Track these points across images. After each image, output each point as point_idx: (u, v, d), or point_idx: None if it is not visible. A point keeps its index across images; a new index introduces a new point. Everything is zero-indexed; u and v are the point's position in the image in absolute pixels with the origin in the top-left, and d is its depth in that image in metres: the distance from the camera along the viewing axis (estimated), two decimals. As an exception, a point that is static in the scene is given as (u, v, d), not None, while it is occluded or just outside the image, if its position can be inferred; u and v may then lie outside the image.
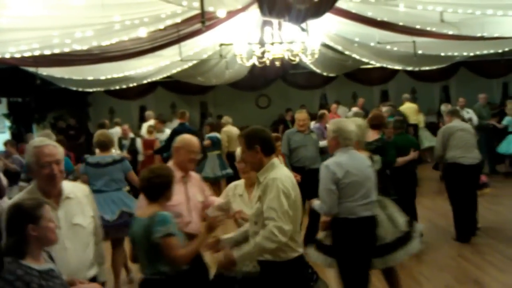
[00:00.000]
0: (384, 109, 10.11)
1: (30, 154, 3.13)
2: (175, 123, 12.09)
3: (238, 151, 4.19)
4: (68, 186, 3.27)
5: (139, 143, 11.36)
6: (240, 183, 4.43)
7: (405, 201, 5.94)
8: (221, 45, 10.06)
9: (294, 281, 3.45)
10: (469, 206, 7.13)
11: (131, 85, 13.89)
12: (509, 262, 6.41)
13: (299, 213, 3.55)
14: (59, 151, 3.18)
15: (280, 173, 3.45)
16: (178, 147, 4.24)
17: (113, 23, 6.88)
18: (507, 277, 5.93)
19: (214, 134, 10.72)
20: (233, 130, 10.73)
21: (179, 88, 16.98)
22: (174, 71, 12.82)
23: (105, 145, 6.19)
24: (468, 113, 11.69)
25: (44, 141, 3.21)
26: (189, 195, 4.15)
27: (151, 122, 12.69)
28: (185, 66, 12.22)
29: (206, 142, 10.30)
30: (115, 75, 11.62)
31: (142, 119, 15.51)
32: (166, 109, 17.65)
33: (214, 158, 10.50)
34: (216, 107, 16.91)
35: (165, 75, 13.54)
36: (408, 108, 13.31)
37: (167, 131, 11.32)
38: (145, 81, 13.87)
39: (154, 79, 13.78)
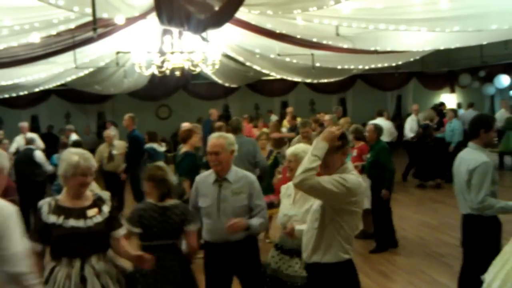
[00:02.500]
0: (327, 117, 10.20)
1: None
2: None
3: (289, 150, 4.30)
4: None
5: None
6: (292, 183, 4.32)
7: None
8: (118, 53, 9.70)
9: (345, 284, 3.44)
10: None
11: (21, 93, 13.08)
12: (398, 271, 6.66)
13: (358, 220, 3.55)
14: None
15: (351, 177, 3.33)
16: None
17: (0, 28, 6.41)
18: (395, 286, 6.17)
19: (151, 145, 10.25)
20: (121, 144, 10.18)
21: (75, 97, 16.28)
22: (69, 78, 12.24)
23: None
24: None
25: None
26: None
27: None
28: (81, 73, 11.71)
29: None
30: (3, 83, 10.90)
31: (34, 129, 14.59)
32: (61, 118, 16.81)
33: None
34: (114, 117, 16.29)
35: (59, 83, 12.87)
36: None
37: None
38: (37, 89, 13.13)
39: (47, 87, 13.09)
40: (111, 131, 9.95)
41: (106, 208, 3.57)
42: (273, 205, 7.24)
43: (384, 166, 7.19)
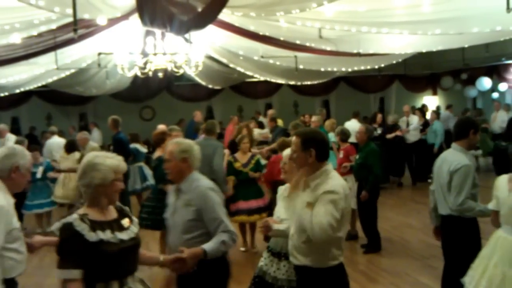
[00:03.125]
0: (314, 118, 10.18)
1: None
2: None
3: (286, 152, 4.20)
4: None
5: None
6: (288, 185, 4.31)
7: None
8: (99, 54, 9.61)
9: None
10: None
11: (1, 94, 12.91)
12: (381, 272, 6.70)
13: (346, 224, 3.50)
14: None
15: (335, 184, 3.31)
16: None
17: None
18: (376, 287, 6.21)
19: (134, 145, 10.19)
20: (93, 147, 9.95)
21: (56, 98, 16.10)
22: (50, 80, 12.10)
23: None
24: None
25: None
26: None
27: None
28: (62, 75, 11.60)
29: None
30: (-18, 84, 10.72)
31: (15, 131, 14.38)
32: (41, 120, 16.61)
33: (135, 171, 10.00)
34: (96, 119, 16.15)
35: (40, 84, 12.71)
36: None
37: None
38: (17, 90, 12.98)
39: (28, 88, 12.93)
40: (82, 134, 9.70)
41: (132, 217, 3.16)
42: (261, 210, 7.24)
43: (371, 169, 7.23)
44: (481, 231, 4.54)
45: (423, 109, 14.64)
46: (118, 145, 9.23)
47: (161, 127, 8.79)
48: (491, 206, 4.07)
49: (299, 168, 3.49)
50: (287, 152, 4.26)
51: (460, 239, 4.50)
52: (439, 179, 4.63)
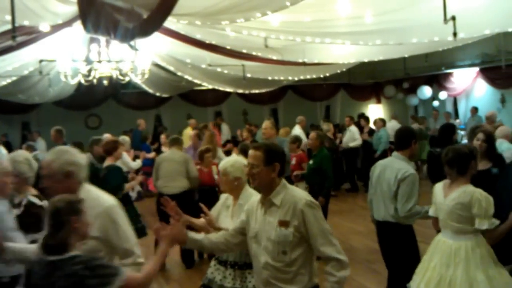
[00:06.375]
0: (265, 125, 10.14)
1: None
2: None
3: (221, 165, 4.21)
4: None
5: None
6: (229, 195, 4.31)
7: None
8: (41, 61, 9.34)
9: None
10: None
11: None
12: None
13: None
14: None
15: (303, 194, 3.20)
16: None
17: None
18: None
19: None
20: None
21: (-3, 107, 15.45)
22: (-10, 87, 11.62)
23: None
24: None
25: None
26: None
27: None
28: (3, 82, 11.17)
29: None
30: None
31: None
32: (-19, 129, 15.96)
33: None
34: (40, 127, 15.65)
35: (-21, 92, 12.24)
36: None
37: None
38: (-46, 99, 12.42)
39: (-34, 96, 12.40)
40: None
41: None
42: None
43: (325, 173, 7.34)
44: (424, 235, 4.70)
45: (365, 117, 15.02)
46: None
47: (109, 136, 8.60)
48: (431, 212, 4.21)
49: (259, 184, 3.20)
50: (222, 164, 4.28)
51: (398, 244, 4.67)
52: (381, 185, 4.75)
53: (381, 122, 13.07)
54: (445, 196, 3.97)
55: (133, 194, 8.92)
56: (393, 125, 13.93)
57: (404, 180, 4.49)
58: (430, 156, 6.35)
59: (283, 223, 3.05)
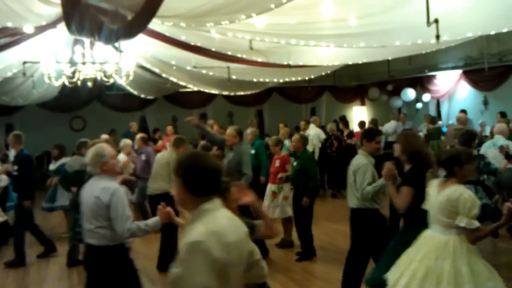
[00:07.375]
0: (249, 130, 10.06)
1: None
2: None
3: None
4: None
5: None
6: None
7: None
8: (24, 63, 9.25)
9: None
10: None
11: None
12: (313, 279, 6.86)
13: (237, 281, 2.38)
14: None
15: (205, 231, 2.27)
16: None
17: None
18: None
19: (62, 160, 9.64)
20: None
21: (-20, 109, 15.30)
22: (-28, 89, 11.51)
23: None
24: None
25: None
26: None
27: None
28: (-14, 84, 11.06)
29: None
30: None
31: None
32: (-35, 131, 15.79)
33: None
34: (23, 129, 15.47)
35: (-38, 94, 12.09)
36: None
37: None
38: None
39: None
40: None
41: None
42: None
43: (309, 174, 7.40)
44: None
45: (344, 120, 15.03)
46: (25, 164, 7.75)
47: (105, 136, 8.58)
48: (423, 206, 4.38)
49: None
50: None
51: (366, 227, 5.33)
52: (349, 178, 5.49)
53: (371, 125, 13.06)
54: (439, 192, 4.14)
55: (132, 198, 8.89)
56: (393, 125, 14.17)
57: (357, 171, 5.32)
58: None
59: None
